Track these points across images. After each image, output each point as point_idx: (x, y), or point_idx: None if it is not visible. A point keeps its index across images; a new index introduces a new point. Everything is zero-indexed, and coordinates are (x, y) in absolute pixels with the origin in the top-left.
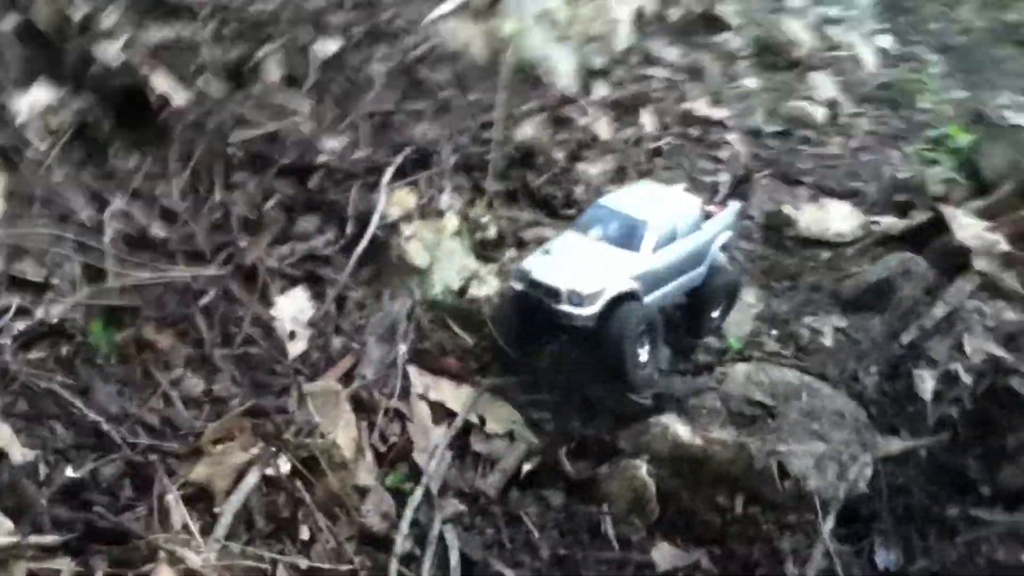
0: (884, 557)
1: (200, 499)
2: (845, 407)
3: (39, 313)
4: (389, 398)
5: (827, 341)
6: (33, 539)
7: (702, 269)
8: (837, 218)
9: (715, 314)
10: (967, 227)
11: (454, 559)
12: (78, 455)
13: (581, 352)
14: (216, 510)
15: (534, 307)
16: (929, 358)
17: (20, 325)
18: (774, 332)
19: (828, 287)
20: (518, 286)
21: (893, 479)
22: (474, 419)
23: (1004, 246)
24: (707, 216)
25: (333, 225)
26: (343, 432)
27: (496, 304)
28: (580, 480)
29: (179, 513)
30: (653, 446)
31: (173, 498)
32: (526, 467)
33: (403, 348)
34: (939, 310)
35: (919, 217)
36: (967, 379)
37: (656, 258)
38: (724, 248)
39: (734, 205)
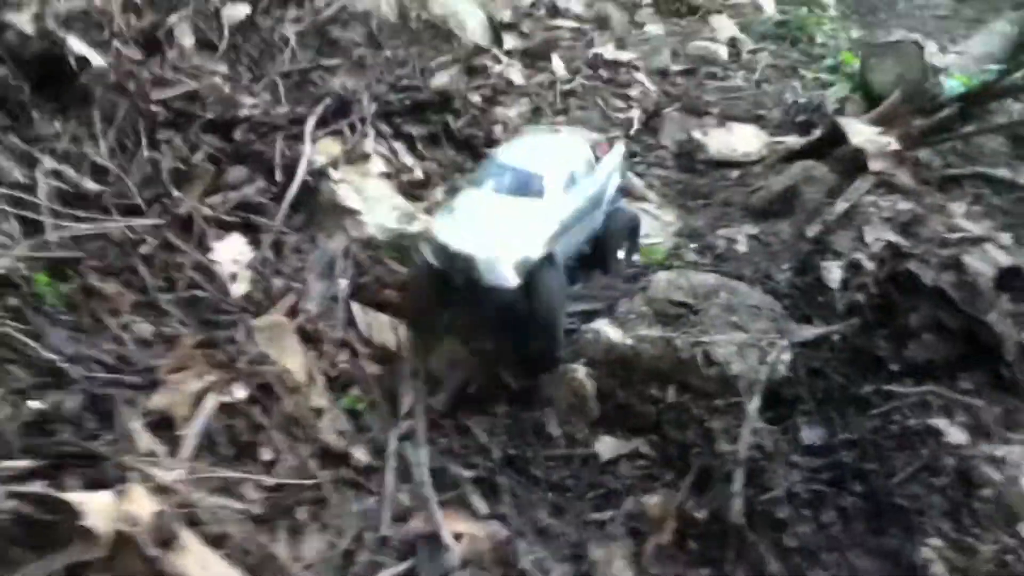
0: (808, 433)
1: (162, 427)
2: (761, 301)
3: None
4: (333, 329)
5: (741, 248)
6: (5, 464)
7: (600, 214)
8: (743, 140)
9: (621, 255)
10: (861, 133)
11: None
12: (39, 393)
13: (505, 319)
14: (179, 433)
15: (449, 278)
16: (834, 251)
17: None
18: (692, 245)
19: (739, 201)
20: (429, 256)
21: (810, 363)
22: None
23: (895, 146)
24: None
25: (261, 175)
26: (293, 360)
27: (410, 274)
28: (522, 390)
29: (144, 438)
30: (588, 350)
31: (137, 425)
32: (471, 387)
33: (343, 283)
34: (840, 206)
35: (818, 132)
36: (870, 266)
37: (560, 209)
38: (619, 190)
39: (619, 146)
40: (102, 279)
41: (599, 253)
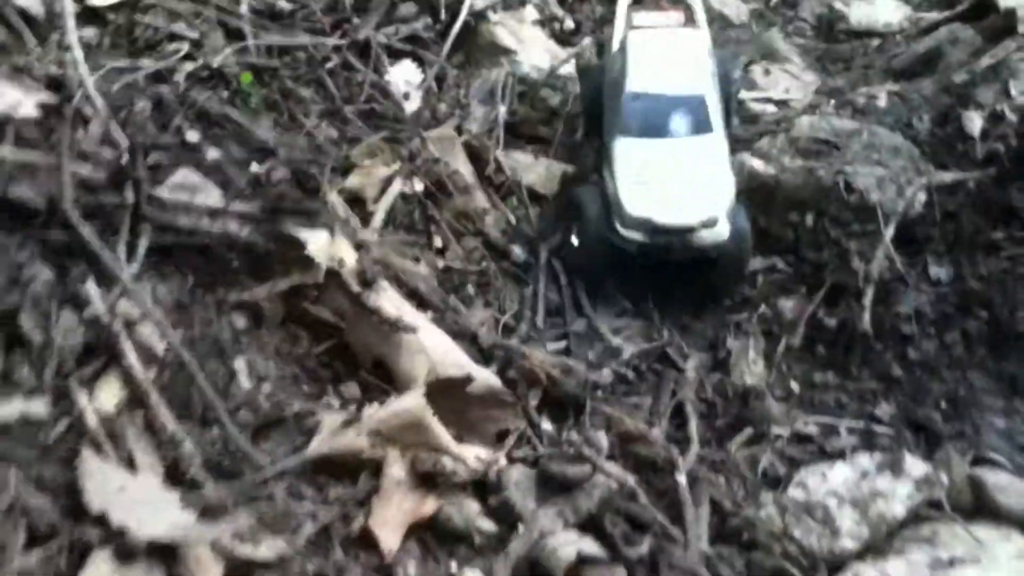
0: (937, 271)
1: (354, 205)
2: (901, 144)
3: (201, 60)
4: (496, 147)
5: (882, 103)
6: (235, 205)
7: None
8: (885, 11)
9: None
10: None
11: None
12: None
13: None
14: (369, 210)
15: (659, 252)
16: (977, 102)
17: (188, 66)
18: (832, 101)
19: (880, 65)
20: (639, 236)
21: (945, 206)
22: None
23: None
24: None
25: (428, 13)
26: (462, 165)
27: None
28: None
29: (341, 207)
30: None
31: (336, 197)
32: None
33: (503, 108)
34: (986, 61)
35: (964, 3)
36: (1012, 117)
37: (725, 135)
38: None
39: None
40: (295, 84)
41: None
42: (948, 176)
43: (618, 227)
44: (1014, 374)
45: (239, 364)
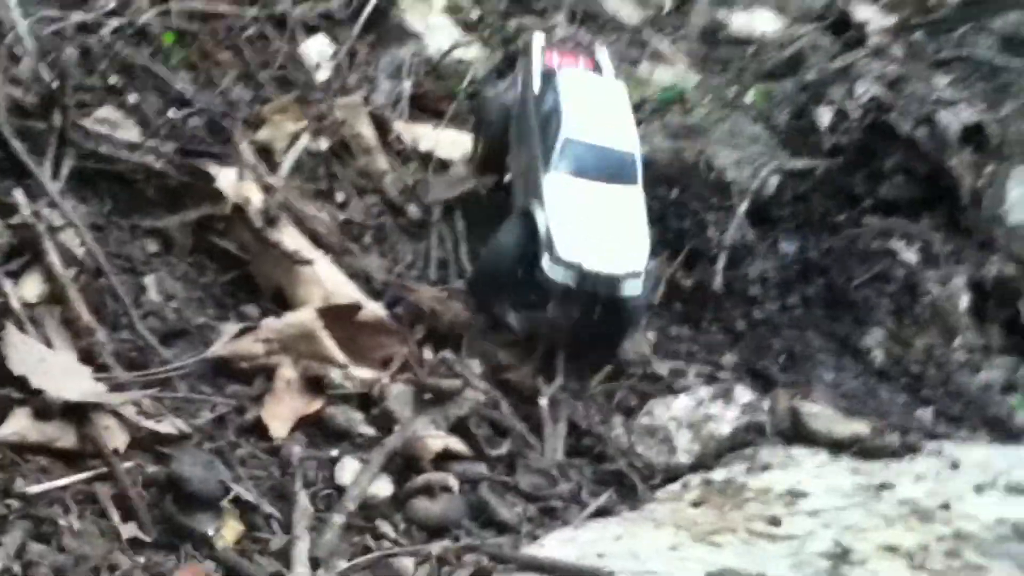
0: (786, 245)
1: (263, 156)
2: (760, 133)
3: (127, 18)
4: (400, 118)
5: (748, 99)
6: (152, 143)
7: None
8: (762, 22)
9: None
10: (864, 13)
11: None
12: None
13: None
14: (277, 161)
15: (581, 296)
16: (828, 99)
17: (115, 22)
18: (708, 96)
19: (753, 68)
20: (566, 279)
21: (796, 190)
22: None
23: (892, 22)
24: None
25: None
26: (366, 129)
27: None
28: None
29: (251, 154)
30: None
31: (246, 146)
32: None
33: (408, 84)
34: (837, 64)
35: (830, 17)
36: (856, 114)
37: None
38: None
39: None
40: (215, 49)
41: None
42: (799, 163)
43: (545, 265)
44: (846, 335)
45: (149, 280)
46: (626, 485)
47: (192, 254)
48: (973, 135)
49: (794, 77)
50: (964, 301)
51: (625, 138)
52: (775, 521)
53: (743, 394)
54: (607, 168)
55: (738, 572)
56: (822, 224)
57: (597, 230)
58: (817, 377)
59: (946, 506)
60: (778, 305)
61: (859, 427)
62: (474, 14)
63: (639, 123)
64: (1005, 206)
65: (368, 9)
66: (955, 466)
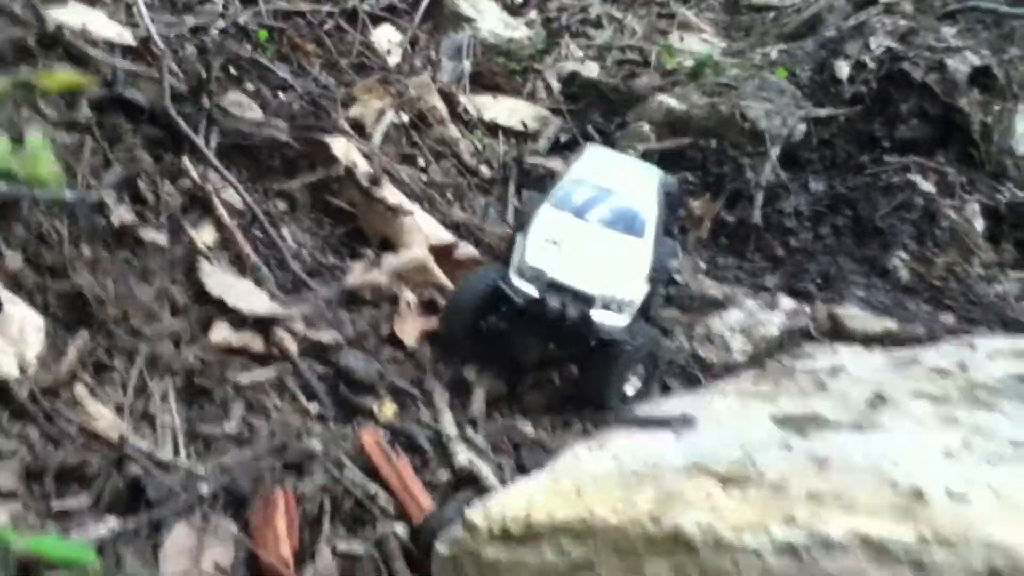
0: (814, 184)
1: (357, 130)
2: (786, 87)
3: (229, 20)
4: (463, 92)
5: (773, 57)
6: (273, 120)
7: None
8: None
9: None
10: None
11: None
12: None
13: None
14: (369, 132)
15: (544, 316)
16: (845, 54)
17: (220, 23)
18: (734, 60)
19: (774, 31)
20: (528, 289)
21: (821, 136)
22: None
23: None
24: None
25: None
26: (438, 102)
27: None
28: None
29: (348, 128)
30: (651, 114)
31: (343, 120)
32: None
33: (467, 63)
34: (852, 22)
35: None
36: (872, 65)
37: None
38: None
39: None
40: (302, 41)
41: None
42: (823, 111)
43: (511, 279)
44: (873, 257)
45: (285, 232)
46: (690, 380)
47: (312, 211)
48: (981, 78)
49: (813, 36)
50: (979, 225)
51: (639, 194)
52: (822, 385)
53: (787, 304)
54: (612, 214)
55: (795, 415)
56: (847, 164)
57: (579, 252)
58: (850, 294)
59: (964, 367)
60: (811, 235)
61: (890, 323)
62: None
63: (674, 86)
64: (1014, 140)
65: (425, 2)
66: (973, 347)
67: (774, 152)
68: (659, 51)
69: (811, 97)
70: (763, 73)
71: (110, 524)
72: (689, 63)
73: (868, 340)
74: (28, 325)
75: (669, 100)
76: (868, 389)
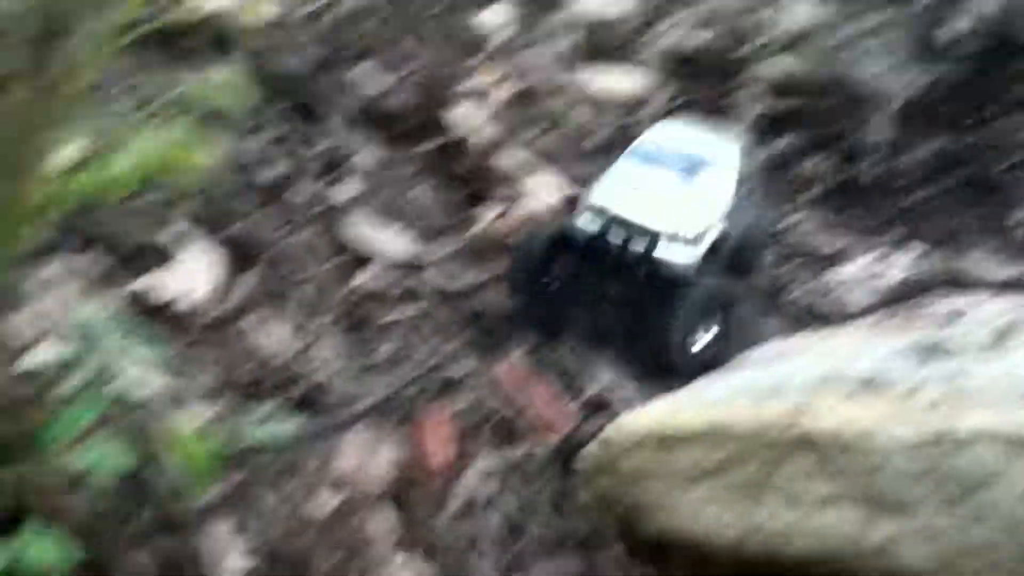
0: (929, 143)
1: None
2: (899, 45)
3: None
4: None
5: (884, 15)
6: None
7: None
8: None
9: None
10: None
11: None
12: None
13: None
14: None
15: (607, 255)
16: (950, 19)
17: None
18: (846, 20)
19: None
20: (590, 226)
21: (935, 94)
22: None
23: None
24: None
25: None
26: (547, 74)
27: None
28: None
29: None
30: (763, 79)
31: (458, 93)
32: None
33: (575, 35)
34: None
35: None
36: (978, 28)
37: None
38: None
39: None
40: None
41: None
42: (936, 68)
43: (574, 221)
44: (989, 214)
45: (415, 191)
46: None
47: (436, 175)
48: None
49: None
50: None
51: (715, 148)
52: (946, 324)
53: (904, 259)
54: (684, 161)
55: (923, 342)
56: (962, 122)
57: (647, 191)
58: (968, 250)
59: None
60: (927, 193)
61: (1012, 271)
62: None
63: (785, 49)
64: None
65: None
66: None
67: (888, 110)
68: (768, 15)
69: (924, 55)
70: (875, 32)
71: (287, 426)
72: (800, 25)
73: (990, 288)
74: (203, 264)
75: (780, 63)
76: (991, 326)
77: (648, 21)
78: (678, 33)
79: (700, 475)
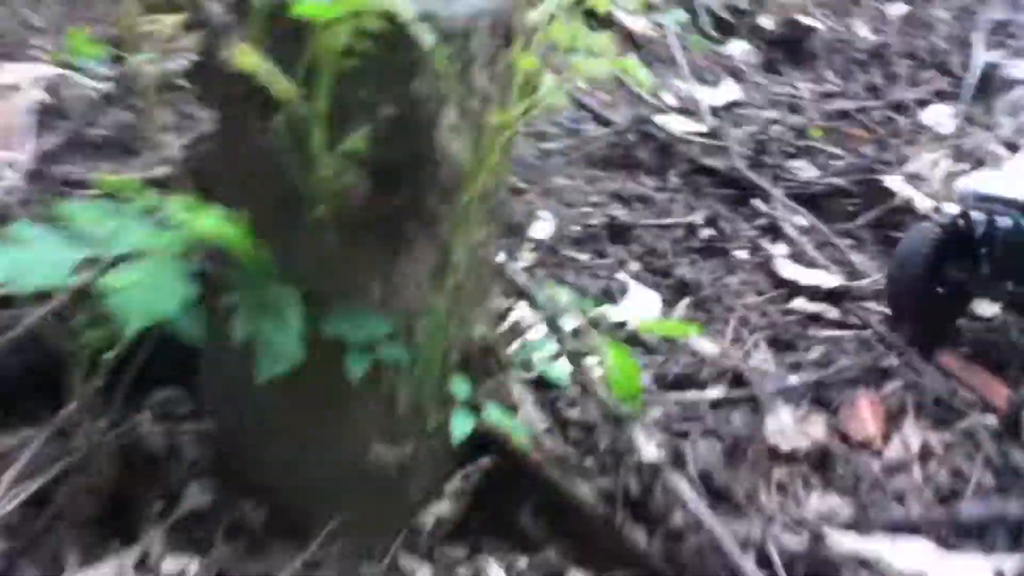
0: None
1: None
2: None
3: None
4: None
5: None
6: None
7: None
8: None
9: None
10: None
11: None
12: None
13: None
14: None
15: (970, 241)
16: None
17: (775, 128)
18: None
19: None
20: (978, 215)
21: None
22: None
23: None
24: None
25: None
26: (997, 149)
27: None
28: None
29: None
30: None
31: (898, 172)
32: None
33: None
34: None
35: None
36: None
37: None
38: None
39: None
40: (852, 131)
41: None
42: None
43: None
44: None
45: (851, 256)
46: None
47: (873, 244)
48: None
49: None
50: None
51: None
52: None
53: None
54: None
55: None
56: None
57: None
58: None
59: None
60: None
61: None
62: None
63: None
64: None
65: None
66: None
67: None
68: None
69: None
70: None
71: (712, 393)
72: None
73: None
74: (646, 299)
75: None
76: None
77: None
78: None
79: None
